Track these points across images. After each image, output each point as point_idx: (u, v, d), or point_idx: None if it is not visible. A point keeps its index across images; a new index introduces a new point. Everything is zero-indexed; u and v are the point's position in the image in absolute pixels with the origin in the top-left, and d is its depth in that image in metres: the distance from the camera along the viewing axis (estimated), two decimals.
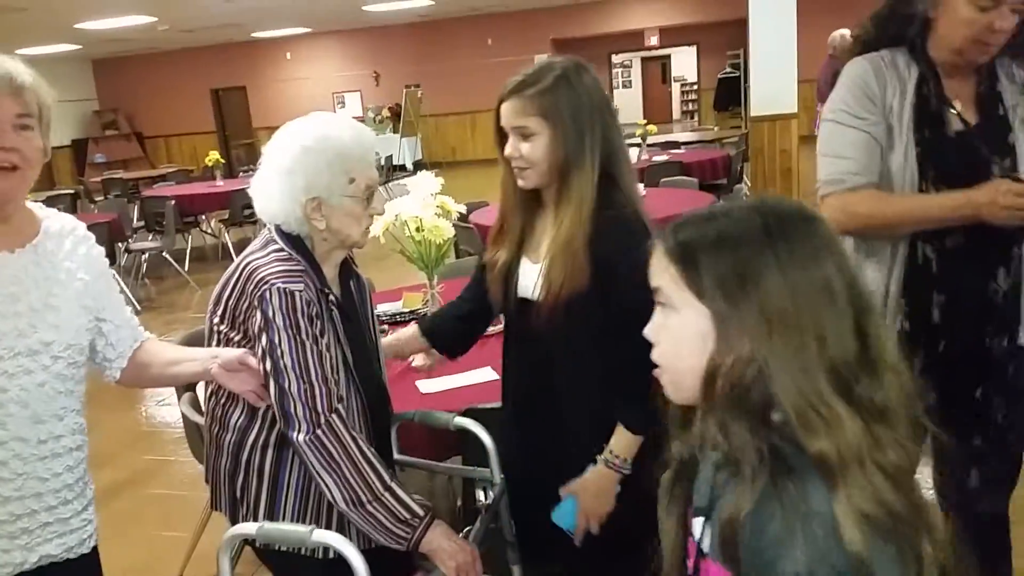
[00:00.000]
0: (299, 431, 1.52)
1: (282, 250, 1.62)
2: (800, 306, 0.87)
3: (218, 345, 1.65)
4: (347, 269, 1.78)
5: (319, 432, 1.52)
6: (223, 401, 1.68)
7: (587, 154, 1.65)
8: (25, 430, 1.44)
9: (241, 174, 11.45)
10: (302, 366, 1.53)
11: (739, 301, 0.89)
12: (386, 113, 16.49)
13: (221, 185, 9.43)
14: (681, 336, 0.96)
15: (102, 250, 1.65)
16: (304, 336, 1.54)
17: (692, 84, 22.00)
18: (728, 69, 18.13)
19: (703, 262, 0.92)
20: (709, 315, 0.91)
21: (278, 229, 1.64)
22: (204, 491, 1.79)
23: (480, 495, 1.75)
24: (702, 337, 0.92)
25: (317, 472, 1.53)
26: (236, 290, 1.60)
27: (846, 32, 7.53)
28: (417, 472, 2.07)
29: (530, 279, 1.72)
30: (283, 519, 1.62)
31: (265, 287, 1.54)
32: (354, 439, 1.55)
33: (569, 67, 1.66)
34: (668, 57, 23.07)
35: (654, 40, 17.57)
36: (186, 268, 8.27)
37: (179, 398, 2.73)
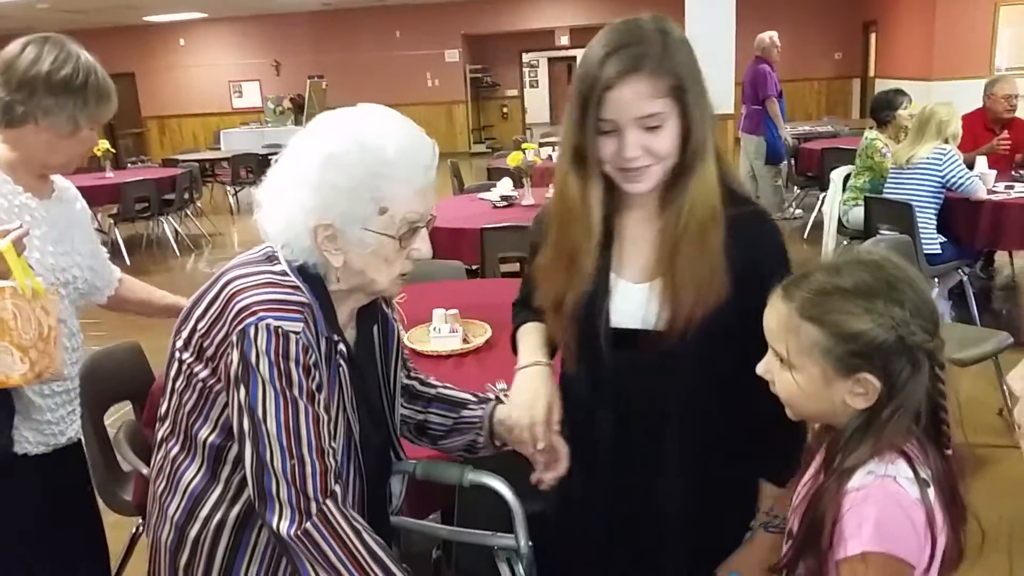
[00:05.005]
0: (282, 519, 1.14)
1: (285, 273, 1.21)
2: None
3: (178, 377, 1.25)
4: (371, 308, 1.37)
5: (309, 525, 1.15)
6: (173, 452, 1.27)
7: (708, 132, 1.27)
8: (65, 339, 1.79)
9: (129, 165, 10.67)
10: (292, 433, 1.14)
11: None
12: (287, 104, 15.75)
13: (111, 176, 8.65)
14: None
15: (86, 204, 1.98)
16: (297, 392, 1.15)
17: None
18: None
19: None
20: None
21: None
22: None
23: (505, 570, 1.38)
24: None
25: (307, 573, 1.16)
26: (211, 312, 1.19)
27: (774, 34, 7.52)
28: None
29: (633, 304, 1.33)
30: None
31: (250, 320, 1.14)
32: (356, 531, 1.17)
33: (659, 18, 1.26)
34: (574, 58, 23.03)
35: (564, 40, 17.45)
36: None
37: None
